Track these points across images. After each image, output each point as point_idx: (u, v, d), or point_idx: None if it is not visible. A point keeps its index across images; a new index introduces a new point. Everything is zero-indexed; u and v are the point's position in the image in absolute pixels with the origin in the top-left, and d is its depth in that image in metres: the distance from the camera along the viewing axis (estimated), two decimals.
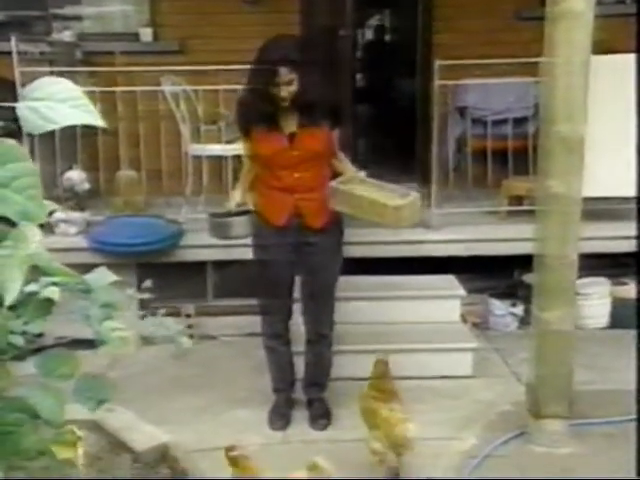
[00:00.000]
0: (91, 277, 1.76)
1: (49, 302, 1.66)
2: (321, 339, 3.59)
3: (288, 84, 3.17)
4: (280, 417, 3.59)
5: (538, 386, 3.27)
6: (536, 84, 5.16)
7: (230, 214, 3.41)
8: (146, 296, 2.46)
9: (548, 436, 3.27)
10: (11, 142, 1.19)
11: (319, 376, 3.68)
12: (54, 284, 1.65)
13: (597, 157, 3.91)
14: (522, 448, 3.31)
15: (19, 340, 1.68)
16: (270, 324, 3.61)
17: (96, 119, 1.21)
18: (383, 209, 3.16)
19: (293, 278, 3.59)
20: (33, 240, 1.16)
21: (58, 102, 1.19)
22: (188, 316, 4.71)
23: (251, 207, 3.42)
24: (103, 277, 1.76)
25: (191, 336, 4.73)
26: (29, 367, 1.78)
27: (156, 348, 4.69)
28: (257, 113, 3.28)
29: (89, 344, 4.88)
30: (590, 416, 3.47)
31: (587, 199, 3.21)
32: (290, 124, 3.31)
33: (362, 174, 3.50)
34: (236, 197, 3.45)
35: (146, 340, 4.73)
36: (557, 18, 2.94)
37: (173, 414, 3.66)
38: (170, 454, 3.14)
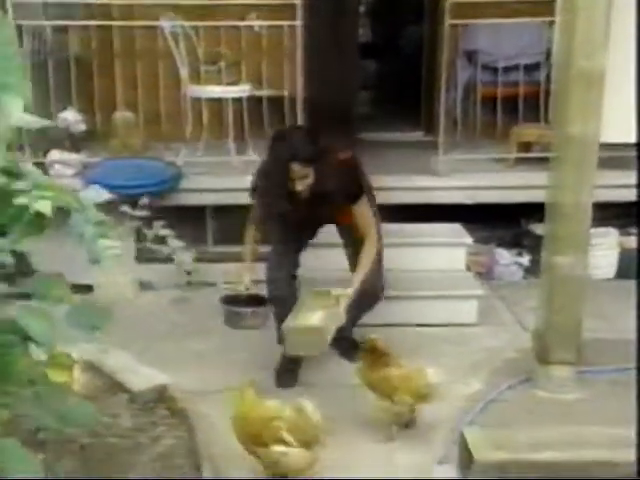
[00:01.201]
0: (84, 195, 1.64)
1: (41, 219, 1.55)
2: None
3: (303, 178, 3.16)
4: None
5: (546, 332, 3.19)
6: (550, 27, 5.01)
7: (242, 299, 3.33)
8: (143, 214, 2.34)
9: (554, 382, 3.20)
10: None
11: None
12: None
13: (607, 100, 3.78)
14: (527, 393, 3.24)
15: (8, 259, 1.58)
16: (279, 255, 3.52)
17: None
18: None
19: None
20: (14, 112, 1.04)
21: None
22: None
23: (264, 294, 3.36)
24: (97, 195, 1.65)
25: (190, 283, 4.66)
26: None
27: (154, 294, 4.61)
28: (275, 210, 3.27)
29: (87, 289, 4.81)
30: (596, 364, 3.40)
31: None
32: (310, 216, 3.35)
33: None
34: (246, 280, 3.35)
35: (145, 286, 4.66)
36: None
37: (171, 358, 3.58)
38: (168, 395, 3.06)
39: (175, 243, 2.20)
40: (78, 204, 1.55)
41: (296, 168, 3.13)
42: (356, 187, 3.37)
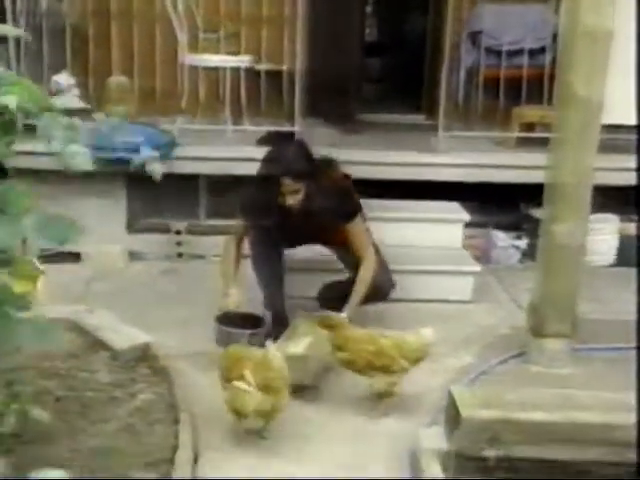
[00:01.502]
0: (55, 99, 1.55)
1: (10, 118, 1.46)
2: None
3: (294, 193, 3.12)
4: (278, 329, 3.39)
5: (542, 303, 3.10)
6: (556, 11, 4.94)
7: (237, 318, 3.11)
8: None
9: (548, 356, 3.11)
10: None
11: None
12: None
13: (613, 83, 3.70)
14: (520, 367, 3.16)
15: None
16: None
17: None
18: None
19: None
20: None
21: None
22: (178, 233, 4.51)
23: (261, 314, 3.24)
24: (69, 101, 1.56)
25: (180, 254, 4.56)
26: None
27: (144, 264, 4.53)
28: (266, 222, 3.22)
29: (74, 257, 4.71)
30: (591, 343, 3.31)
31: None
32: (300, 232, 3.31)
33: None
34: (234, 297, 3.18)
35: (135, 256, 4.57)
36: None
37: (157, 322, 3.46)
38: (150, 353, 2.97)
39: (147, 151, 2.10)
40: (47, 105, 1.45)
41: (287, 182, 3.09)
42: (349, 206, 3.31)
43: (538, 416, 2.20)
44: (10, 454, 2.19)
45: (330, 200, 3.20)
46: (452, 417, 2.26)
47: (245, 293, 3.28)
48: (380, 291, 3.39)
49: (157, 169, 1.92)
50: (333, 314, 2.97)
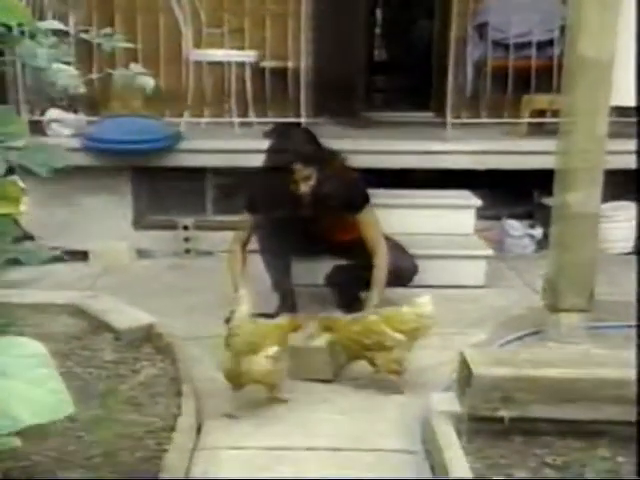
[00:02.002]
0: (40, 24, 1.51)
1: None
2: None
3: (306, 179, 3.07)
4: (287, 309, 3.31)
5: (557, 276, 2.99)
6: (564, 3, 4.88)
7: None
8: None
9: (564, 331, 2.98)
10: None
11: None
12: None
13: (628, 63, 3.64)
14: (536, 344, 3.03)
15: None
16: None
17: None
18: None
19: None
20: None
21: None
22: (185, 228, 4.46)
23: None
24: (48, 24, 1.52)
25: (188, 250, 4.51)
26: None
27: (152, 261, 4.48)
28: (275, 214, 3.14)
29: (82, 255, 4.67)
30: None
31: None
32: (310, 221, 3.22)
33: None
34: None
35: (142, 254, 4.52)
36: None
37: (163, 309, 3.39)
38: (154, 333, 2.90)
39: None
40: (28, 21, 1.41)
41: (298, 168, 3.02)
42: (359, 195, 3.24)
43: (552, 373, 2.10)
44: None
45: (340, 189, 3.14)
46: (464, 377, 2.17)
47: (254, 293, 3.19)
48: (403, 275, 3.32)
49: (148, 81, 1.86)
50: (332, 316, 2.89)
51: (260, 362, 2.36)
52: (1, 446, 1.15)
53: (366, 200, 3.25)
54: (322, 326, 2.69)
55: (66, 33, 1.66)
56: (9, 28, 1.47)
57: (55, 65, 1.43)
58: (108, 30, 1.79)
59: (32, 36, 1.43)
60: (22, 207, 1.40)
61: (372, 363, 2.62)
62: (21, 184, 1.45)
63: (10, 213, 1.40)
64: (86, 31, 1.68)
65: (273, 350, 2.38)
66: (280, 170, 3.06)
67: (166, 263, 4.39)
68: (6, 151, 1.43)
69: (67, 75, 1.44)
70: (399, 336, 2.55)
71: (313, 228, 3.31)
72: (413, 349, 2.62)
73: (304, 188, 3.08)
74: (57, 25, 1.57)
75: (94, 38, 1.72)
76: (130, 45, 1.89)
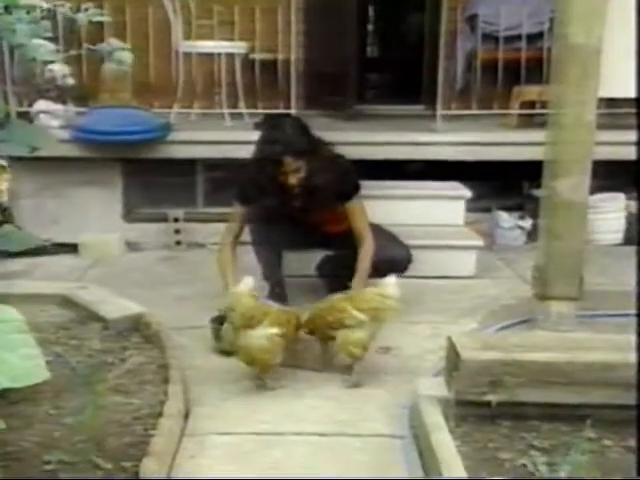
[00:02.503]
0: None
1: None
2: None
3: (295, 172, 3.06)
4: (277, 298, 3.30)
5: (547, 265, 2.99)
6: None
7: None
8: None
9: (555, 319, 2.99)
10: None
11: None
12: None
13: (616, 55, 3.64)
14: (525, 332, 3.03)
15: None
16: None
17: None
18: None
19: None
20: None
21: None
22: (176, 220, 4.45)
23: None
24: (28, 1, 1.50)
25: (178, 242, 4.49)
26: None
27: (142, 253, 4.46)
28: (266, 205, 3.12)
29: (71, 248, 4.65)
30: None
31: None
32: (301, 212, 3.22)
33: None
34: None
35: (132, 246, 4.50)
36: None
37: (153, 300, 3.38)
38: (143, 322, 2.88)
39: None
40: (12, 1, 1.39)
41: (288, 161, 3.02)
42: (349, 184, 3.24)
43: (540, 357, 2.10)
44: None
45: (330, 180, 3.13)
46: (452, 361, 2.16)
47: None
48: (398, 264, 3.27)
49: (126, 56, 1.84)
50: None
51: (256, 336, 2.40)
52: None
53: (356, 189, 3.25)
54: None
55: (48, 10, 1.64)
56: None
57: (34, 41, 1.41)
58: (89, 5, 1.76)
59: (10, 12, 1.42)
60: (2, 185, 1.38)
61: (333, 342, 2.59)
62: (2, 162, 1.43)
63: None
64: (69, 7, 1.65)
65: (272, 330, 2.42)
66: (270, 161, 3.05)
67: (156, 255, 4.38)
68: None
69: (46, 51, 1.43)
70: (360, 315, 2.51)
71: (304, 218, 3.30)
72: (376, 334, 2.59)
73: (293, 180, 3.07)
74: (38, 2, 1.55)
75: (69, 13, 1.69)
76: (106, 19, 1.85)
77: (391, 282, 2.53)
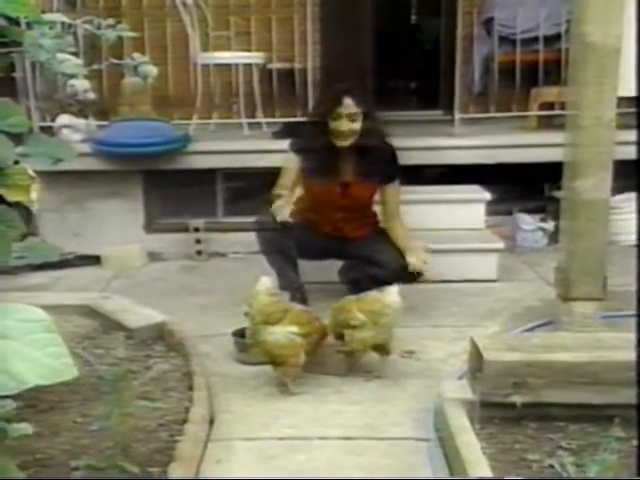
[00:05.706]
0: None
1: None
2: None
3: (350, 118, 3.12)
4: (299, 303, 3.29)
5: (569, 265, 2.97)
6: None
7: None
8: None
9: (579, 320, 2.96)
10: None
11: None
12: None
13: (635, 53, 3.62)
14: (549, 334, 3.01)
15: None
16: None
17: None
18: None
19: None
20: None
21: None
22: (197, 230, 4.48)
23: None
24: (53, 17, 1.54)
25: (199, 252, 4.52)
26: None
27: (163, 263, 4.50)
28: (315, 156, 3.20)
29: (94, 260, 4.68)
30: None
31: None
32: (345, 173, 3.28)
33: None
34: (284, 213, 3.05)
35: (154, 256, 4.54)
36: None
37: (175, 310, 3.40)
38: (166, 330, 2.90)
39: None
40: (35, 14, 1.42)
41: (347, 103, 3.10)
42: (395, 165, 3.33)
43: (564, 357, 2.08)
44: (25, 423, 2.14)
45: (381, 150, 3.22)
46: (475, 363, 2.15)
47: None
48: (395, 275, 3.23)
49: (151, 70, 1.87)
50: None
51: (274, 332, 2.46)
52: (6, 414, 1.14)
53: (399, 172, 3.33)
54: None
55: (70, 26, 1.67)
56: (16, 22, 1.49)
57: (59, 55, 1.44)
58: (111, 21, 1.79)
59: (31, 28, 1.44)
60: (33, 195, 1.41)
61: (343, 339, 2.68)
62: (30, 172, 1.46)
63: (21, 201, 1.41)
64: (90, 22, 1.68)
65: (291, 328, 2.47)
66: (331, 99, 3.14)
67: (178, 265, 4.41)
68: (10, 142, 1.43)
69: (71, 65, 1.45)
70: (361, 316, 2.61)
71: (343, 191, 3.30)
72: (383, 336, 2.61)
73: (344, 127, 3.11)
74: (62, 18, 1.58)
75: (93, 29, 1.72)
76: (134, 34, 1.88)
77: (393, 290, 2.62)
